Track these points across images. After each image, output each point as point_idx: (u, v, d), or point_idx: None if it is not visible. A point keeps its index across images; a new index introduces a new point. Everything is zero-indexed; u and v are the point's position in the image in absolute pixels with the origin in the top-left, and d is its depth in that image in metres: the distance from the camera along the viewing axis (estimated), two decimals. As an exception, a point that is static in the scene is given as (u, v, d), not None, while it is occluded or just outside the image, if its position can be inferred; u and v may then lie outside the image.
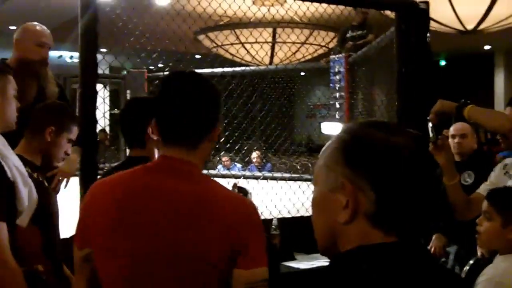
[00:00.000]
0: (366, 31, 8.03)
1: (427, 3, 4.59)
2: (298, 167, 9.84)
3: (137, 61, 11.76)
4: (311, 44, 9.34)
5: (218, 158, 9.78)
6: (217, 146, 8.08)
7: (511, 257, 2.40)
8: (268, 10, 8.94)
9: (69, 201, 3.17)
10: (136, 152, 2.48)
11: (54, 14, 8.52)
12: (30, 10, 5.62)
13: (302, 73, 13.73)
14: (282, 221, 4.21)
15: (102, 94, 10.54)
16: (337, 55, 7.96)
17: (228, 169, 9.49)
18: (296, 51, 9.44)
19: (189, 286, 1.49)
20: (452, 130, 4.35)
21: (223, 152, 9.54)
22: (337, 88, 7.50)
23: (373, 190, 1.05)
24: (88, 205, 1.62)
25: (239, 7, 6.77)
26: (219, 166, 9.74)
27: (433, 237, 4.20)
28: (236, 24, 9.30)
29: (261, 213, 2.72)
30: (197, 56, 13.48)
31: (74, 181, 3.21)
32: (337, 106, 7.53)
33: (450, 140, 4.26)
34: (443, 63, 18.40)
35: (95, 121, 3.52)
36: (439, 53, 16.89)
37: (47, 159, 2.60)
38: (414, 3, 4.60)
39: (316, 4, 5.38)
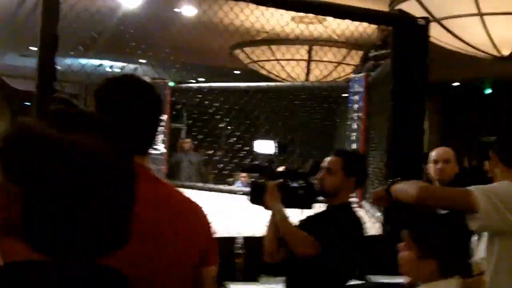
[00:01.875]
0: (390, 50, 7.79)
1: (427, 20, 4.45)
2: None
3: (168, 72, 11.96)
4: (347, 64, 9.18)
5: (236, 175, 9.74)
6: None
7: (432, 285, 2.21)
8: (307, 27, 8.85)
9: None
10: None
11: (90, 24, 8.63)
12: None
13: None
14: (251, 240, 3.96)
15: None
16: (357, 75, 7.75)
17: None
18: (332, 71, 9.30)
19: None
20: (434, 155, 4.14)
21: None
22: (355, 109, 7.28)
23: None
24: None
25: (277, 21, 6.71)
26: (238, 183, 9.68)
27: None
28: (272, 40, 9.23)
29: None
30: (236, 72, 13.53)
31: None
32: (354, 127, 7.32)
33: (431, 165, 4.11)
34: (488, 91, 17.90)
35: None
36: (483, 81, 16.44)
37: None
38: (412, 19, 4.47)
39: (355, 23, 5.28)
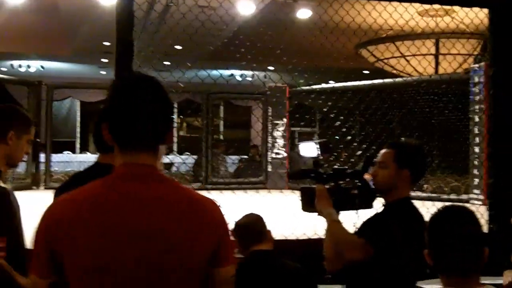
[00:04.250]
0: None
1: None
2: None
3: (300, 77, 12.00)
4: (479, 54, 8.68)
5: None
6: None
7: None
8: (434, 19, 8.51)
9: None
10: (105, 158, 2.37)
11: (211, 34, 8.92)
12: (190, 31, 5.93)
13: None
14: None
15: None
16: (477, 64, 7.22)
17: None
18: (463, 62, 8.84)
19: None
20: None
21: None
22: (476, 100, 6.78)
23: None
24: (55, 228, 1.46)
25: (401, 16, 6.51)
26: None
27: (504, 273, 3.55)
28: (399, 36, 8.97)
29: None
30: (365, 72, 13.32)
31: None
32: (476, 120, 6.81)
33: None
34: None
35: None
36: None
37: (11, 162, 2.60)
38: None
39: (484, 11, 5.00)
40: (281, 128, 10.92)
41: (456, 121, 8.99)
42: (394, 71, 9.61)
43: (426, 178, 9.37)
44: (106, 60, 13.46)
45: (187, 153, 13.54)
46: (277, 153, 10.82)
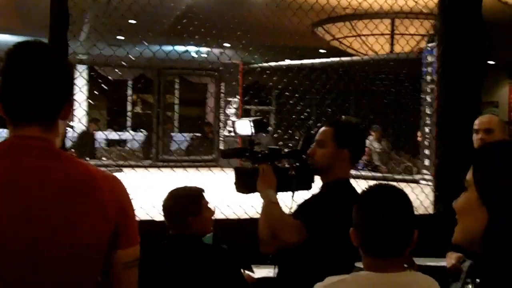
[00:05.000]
0: None
1: None
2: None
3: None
4: (433, 35, 8.69)
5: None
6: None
7: None
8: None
9: None
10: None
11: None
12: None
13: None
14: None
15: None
16: (430, 44, 7.21)
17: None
18: (417, 43, 8.85)
19: (74, 273, 1.38)
20: (476, 123, 3.51)
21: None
22: (428, 81, 6.79)
23: None
24: None
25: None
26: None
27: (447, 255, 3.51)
28: (354, 15, 8.91)
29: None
30: (322, 51, 13.27)
31: None
32: (428, 100, 6.80)
33: (473, 135, 3.44)
34: None
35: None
36: None
37: None
38: None
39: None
40: (234, 105, 10.81)
41: (410, 102, 9.04)
42: (350, 50, 9.57)
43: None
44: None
45: (142, 130, 13.32)
46: (230, 131, 10.71)
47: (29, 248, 1.33)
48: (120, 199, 1.46)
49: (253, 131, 2.52)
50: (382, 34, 8.93)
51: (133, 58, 7.91)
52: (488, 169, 1.13)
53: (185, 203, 2.52)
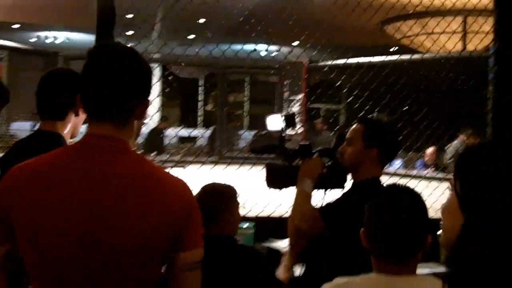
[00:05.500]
0: None
1: None
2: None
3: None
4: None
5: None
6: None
7: None
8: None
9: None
10: (47, 125, 2.27)
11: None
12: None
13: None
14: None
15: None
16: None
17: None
18: (491, 43, 8.53)
19: (128, 269, 1.41)
20: None
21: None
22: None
23: None
24: (8, 196, 1.44)
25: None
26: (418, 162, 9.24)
27: None
28: (425, 13, 8.70)
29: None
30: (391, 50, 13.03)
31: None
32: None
33: None
34: None
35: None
36: None
37: None
38: None
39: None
40: (298, 103, 10.77)
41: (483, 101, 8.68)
42: (421, 48, 9.35)
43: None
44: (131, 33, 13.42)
45: (211, 128, 13.51)
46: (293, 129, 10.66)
47: (86, 241, 1.38)
48: (185, 202, 1.48)
49: (284, 126, 2.51)
50: (455, 32, 8.68)
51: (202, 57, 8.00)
52: (464, 172, 1.11)
53: (220, 200, 2.44)
